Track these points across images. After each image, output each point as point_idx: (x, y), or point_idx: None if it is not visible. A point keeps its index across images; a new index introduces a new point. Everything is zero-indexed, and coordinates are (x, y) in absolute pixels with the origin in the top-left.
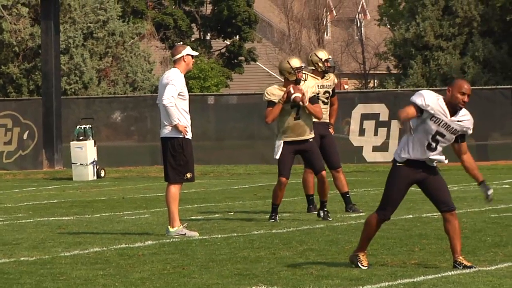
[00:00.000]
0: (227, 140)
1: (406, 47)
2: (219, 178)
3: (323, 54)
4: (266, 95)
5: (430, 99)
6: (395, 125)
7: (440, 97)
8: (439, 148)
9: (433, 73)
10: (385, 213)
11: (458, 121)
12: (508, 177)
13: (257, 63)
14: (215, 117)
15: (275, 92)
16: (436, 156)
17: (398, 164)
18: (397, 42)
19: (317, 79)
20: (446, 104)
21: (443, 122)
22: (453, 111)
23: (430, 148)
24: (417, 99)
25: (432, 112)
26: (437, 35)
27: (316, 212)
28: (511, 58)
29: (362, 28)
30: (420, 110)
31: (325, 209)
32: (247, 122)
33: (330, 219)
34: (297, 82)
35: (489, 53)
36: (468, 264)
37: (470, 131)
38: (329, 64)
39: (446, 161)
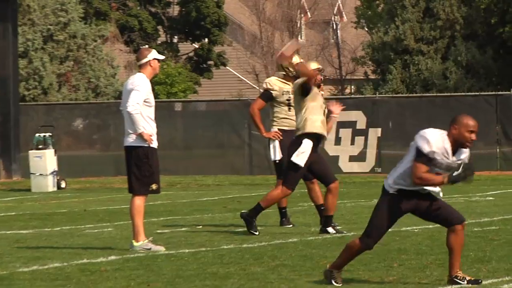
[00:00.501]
0: (195, 149)
1: (385, 51)
2: (186, 190)
3: (294, 59)
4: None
5: (436, 143)
6: (372, 133)
7: (445, 135)
8: None
9: (413, 78)
10: (369, 244)
11: (458, 160)
12: (492, 189)
13: (227, 67)
14: (182, 125)
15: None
16: (431, 188)
17: (390, 193)
18: (375, 46)
19: (288, 84)
20: (451, 143)
21: (444, 164)
22: (456, 149)
23: None
24: (423, 145)
25: (438, 157)
26: (418, 38)
27: (289, 226)
28: (495, 63)
29: (338, 31)
30: (428, 160)
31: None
32: (216, 130)
33: (345, 232)
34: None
35: (473, 57)
36: (472, 278)
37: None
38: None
39: (441, 194)
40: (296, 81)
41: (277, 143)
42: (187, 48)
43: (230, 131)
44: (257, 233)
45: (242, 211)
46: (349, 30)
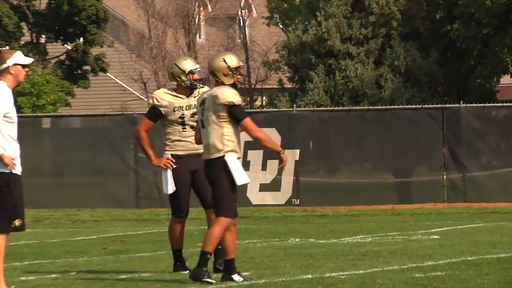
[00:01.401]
0: (67, 176)
1: (304, 53)
2: (57, 226)
3: (188, 64)
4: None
5: None
6: (289, 156)
7: None
8: None
9: (339, 88)
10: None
11: None
12: (438, 225)
13: (108, 74)
14: (52, 146)
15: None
16: None
17: None
18: (292, 47)
19: (181, 98)
20: None
21: None
22: None
23: None
24: None
25: None
26: (345, 38)
27: (185, 271)
28: (441, 69)
29: (246, 29)
30: None
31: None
32: (94, 152)
33: (254, 279)
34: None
35: (413, 62)
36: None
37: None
38: (196, 76)
39: None
40: (217, 96)
41: (169, 172)
42: (57, 49)
43: (111, 154)
44: (213, 282)
45: (190, 271)
46: (260, 27)
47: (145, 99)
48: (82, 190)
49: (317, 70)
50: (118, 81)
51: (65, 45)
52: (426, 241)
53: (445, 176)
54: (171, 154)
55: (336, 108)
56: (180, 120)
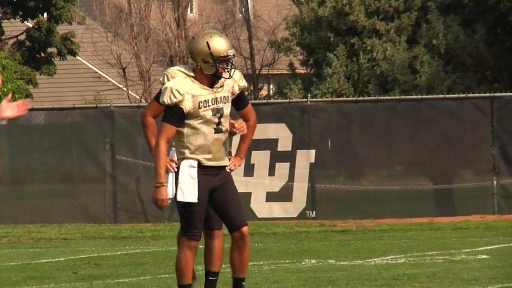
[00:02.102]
0: (28, 185)
1: (321, 31)
2: (16, 246)
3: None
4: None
5: None
6: (302, 158)
7: None
8: None
9: (364, 73)
10: None
11: None
12: (486, 242)
13: (78, 57)
14: (9, 147)
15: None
16: None
17: None
18: (306, 23)
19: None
20: None
21: None
22: None
23: None
24: None
25: None
26: (371, 11)
27: None
28: (489, 49)
29: (249, 1)
30: None
31: None
32: (62, 154)
33: None
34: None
35: (455, 40)
36: None
37: None
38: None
39: None
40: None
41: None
42: (15, 27)
43: (82, 156)
44: None
45: None
46: None
47: (124, 88)
48: (47, 201)
49: (337, 51)
50: (91, 66)
51: (25, 22)
52: (472, 262)
53: (495, 182)
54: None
55: (361, 98)
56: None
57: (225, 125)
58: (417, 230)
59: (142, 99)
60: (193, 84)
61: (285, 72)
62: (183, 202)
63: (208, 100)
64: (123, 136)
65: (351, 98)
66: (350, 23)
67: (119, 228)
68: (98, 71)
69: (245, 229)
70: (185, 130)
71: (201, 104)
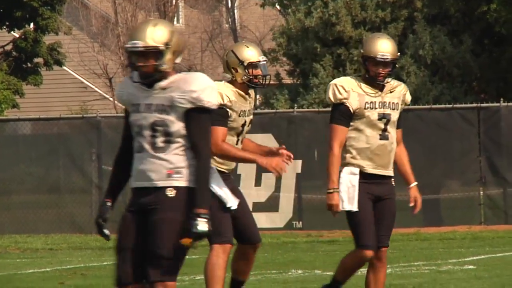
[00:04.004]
0: (14, 195)
1: (307, 41)
2: (3, 256)
3: (250, 53)
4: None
5: None
6: (288, 168)
7: None
8: None
9: None
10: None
11: None
12: (473, 252)
13: (65, 67)
14: None
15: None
16: None
17: None
18: (293, 33)
19: (244, 97)
20: None
21: None
22: None
23: None
24: None
25: None
26: (357, 21)
27: None
28: (476, 59)
29: (236, 11)
30: None
31: None
32: (48, 164)
33: None
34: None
35: (442, 51)
36: None
37: None
38: (258, 72)
39: None
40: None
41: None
42: (1, 38)
43: (69, 167)
44: None
45: None
46: (252, 9)
47: (111, 99)
48: (34, 211)
49: (323, 61)
50: (77, 76)
51: (12, 32)
52: (458, 273)
53: (481, 192)
54: (218, 169)
55: None
56: (241, 128)
57: (392, 132)
58: (403, 240)
59: None
60: (356, 83)
61: (272, 82)
62: (348, 211)
63: (374, 102)
64: (110, 146)
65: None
66: (337, 34)
67: None
68: (84, 81)
69: (384, 249)
70: (348, 132)
71: (367, 105)
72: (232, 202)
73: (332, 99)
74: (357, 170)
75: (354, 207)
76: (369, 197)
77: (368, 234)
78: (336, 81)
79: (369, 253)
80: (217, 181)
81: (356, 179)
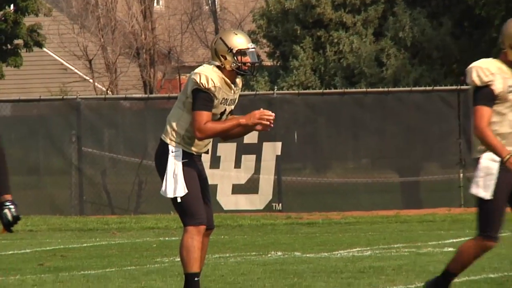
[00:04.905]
0: None
1: (287, 23)
2: None
3: (238, 40)
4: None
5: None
6: (268, 150)
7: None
8: None
9: (330, 66)
10: None
11: None
12: (452, 235)
13: (45, 49)
14: None
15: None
16: None
17: None
18: (273, 15)
19: (230, 86)
20: None
21: None
22: None
23: None
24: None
25: None
26: (337, 4)
27: None
28: (456, 42)
29: None
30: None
31: None
32: (27, 146)
33: None
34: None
35: (422, 33)
36: None
37: None
38: (247, 59)
39: None
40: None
41: (180, 169)
42: None
43: (48, 148)
44: None
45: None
46: None
47: (91, 80)
48: (13, 193)
49: (303, 44)
50: (57, 58)
51: None
52: (438, 255)
53: (461, 175)
54: (184, 151)
55: (327, 91)
56: (219, 116)
57: None
58: (383, 222)
59: (108, 91)
60: (498, 66)
61: None
62: (480, 198)
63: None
64: (90, 128)
65: (317, 91)
66: (317, 16)
67: (85, 220)
68: (64, 63)
69: None
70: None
71: (510, 88)
72: (179, 192)
73: (477, 81)
74: (496, 157)
75: (488, 195)
76: (507, 186)
77: (496, 226)
78: (480, 63)
79: (493, 244)
80: (175, 166)
81: (496, 166)
